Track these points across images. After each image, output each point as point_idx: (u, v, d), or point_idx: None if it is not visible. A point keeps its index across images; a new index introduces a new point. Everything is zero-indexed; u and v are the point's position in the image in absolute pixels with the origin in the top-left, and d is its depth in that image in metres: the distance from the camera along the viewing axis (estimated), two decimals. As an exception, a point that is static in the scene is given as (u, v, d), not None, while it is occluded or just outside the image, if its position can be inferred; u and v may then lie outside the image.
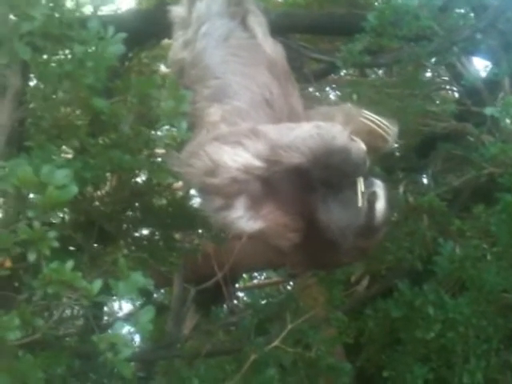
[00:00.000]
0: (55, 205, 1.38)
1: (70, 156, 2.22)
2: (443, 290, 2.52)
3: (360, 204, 1.79)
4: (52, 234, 1.35)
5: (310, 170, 1.80)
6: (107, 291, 1.52)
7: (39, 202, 1.37)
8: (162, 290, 5.39)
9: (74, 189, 1.40)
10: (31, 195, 1.45)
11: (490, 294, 2.41)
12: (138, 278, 1.49)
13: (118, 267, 1.50)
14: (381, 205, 1.86)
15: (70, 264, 1.34)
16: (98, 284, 1.40)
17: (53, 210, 1.38)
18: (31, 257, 1.32)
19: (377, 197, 1.86)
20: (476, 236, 2.79)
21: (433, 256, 2.73)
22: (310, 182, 1.86)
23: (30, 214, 1.34)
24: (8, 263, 1.50)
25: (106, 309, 5.12)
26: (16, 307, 1.60)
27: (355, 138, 1.79)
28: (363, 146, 1.80)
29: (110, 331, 1.59)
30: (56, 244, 1.35)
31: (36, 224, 1.34)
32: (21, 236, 1.32)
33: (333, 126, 1.79)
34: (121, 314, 5.14)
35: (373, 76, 4.30)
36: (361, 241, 1.89)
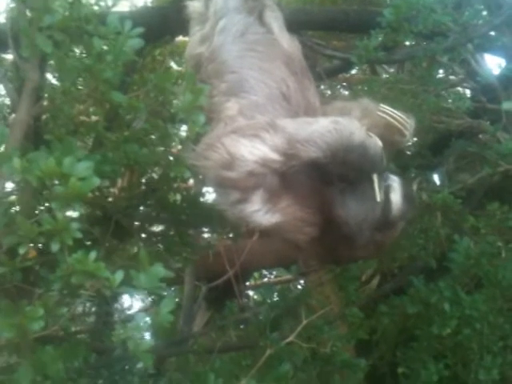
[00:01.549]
0: (77, 196, 1.39)
1: (85, 151, 2.23)
2: (459, 286, 2.51)
3: (379, 199, 1.78)
4: (75, 225, 1.36)
5: (327, 165, 1.80)
6: (126, 284, 1.53)
7: (62, 193, 1.37)
8: (173, 288, 5.40)
9: (96, 180, 1.41)
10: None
11: (507, 290, 2.40)
12: (159, 270, 1.50)
13: (136, 261, 1.52)
14: (397, 198, 1.87)
15: (92, 254, 1.34)
16: (120, 275, 1.40)
17: (75, 201, 1.39)
18: (54, 247, 1.33)
19: (393, 190, 1.87)
20: (490, 233, 2.78)
21: (447, 253, 2.73)
22: (327, 176, 1.85)
23: (54, 205, 1.35)
24: (33, 253, 1.50)
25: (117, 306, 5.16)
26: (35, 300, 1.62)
27: (372, 135, 1.79)
28: (380, 143, 1.80)
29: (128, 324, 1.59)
30: (79, 235, 1.35)
31: (59, 215, 1.35)
32: (45, 226, 1.32)
33: (351, 122, 1.79)
34: (132, 311, 5.15)
35: (384, 75, 4.31)
36: (378, 235, 1.89)
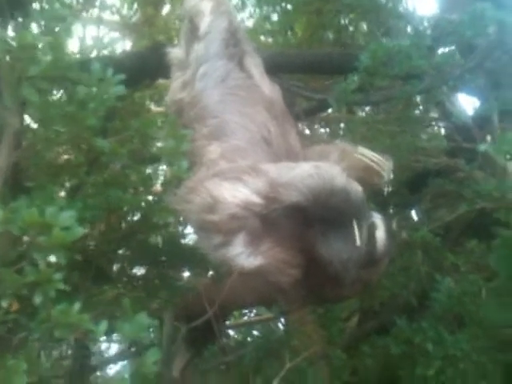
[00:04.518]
0: (60, 246, 1.38)
1: (63, 194, 2.22)
2: (442, 326, 2.52)
3: (359, 243, 1.80)
4: (58, 276, 1.34)
5: (308, 208, 1.82)
6: (109, 331, 1.50)
7: (44, 243, 1.36)
8: (151, 329, 5.30)
9: (79, 230, 1.40)
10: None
11: (489, 329, 2.42)
12: (143, 319, 1.49)
13: (117, 305, 1.50)
14: (381, 235, 1.87)
15: (76, 306, 1.33)
16: (103, 326, 1.39)
17: (58, 251, 1.37)
18: (37, 299, 1.31)
19: (377, 227, 1.88)
20: (470, 270, 2.82)
21: (427, 291, 2.75)
22: (309, 218, 1.87)
23: (36, 255, 1.34)
24: (15, 306, 1.48)
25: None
26: (14, 349, 1.59)
27: (352, 180, 1.82)
28: (360, 188, 1.83)
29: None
30: (62, 286, 1.34)
31: (42, 265, 1.34)
32: (28, 278, 1.31)
33: (332, 167, 1.81)
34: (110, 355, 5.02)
35: (360, 113, 4.40)
36: (363, 272, 1.89)
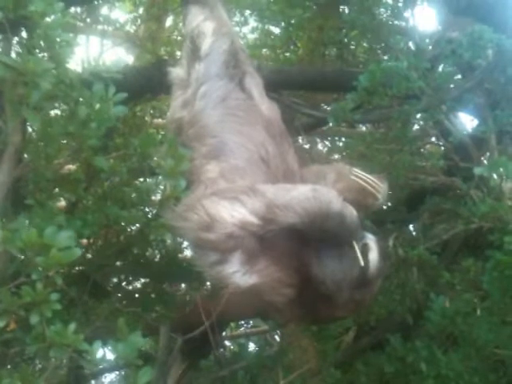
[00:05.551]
0: (58, 266, 1.40)
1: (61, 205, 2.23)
2: (435, 345, 2.54)
3: (362, 264, 1.82)
4: (54, 296, 1.36)
5: (304, 229, 1.85)
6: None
7: (42, 263, 1.39)
8: (147, 338, 5.30)
9: (77, 251, 1.42)
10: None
11: (482, 349, 2.43)
12: (137, 339, 1.50)
13: (114, 324, 1.51)
14: (374, 256, 1.91)
15: (72, 326, 1.35)
16: (97, 346, 1.41)
17: (55, 272, 1.40)
18: (34, 319, 1.34)
19: (369, 248, 1.91)
20: (466, 289, 2.84)
21: (423, 309, 2.76)
22: (304, 239, 1.90)
23: (34, 275, 1.36)
24: (12, 325, 1.50)
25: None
26: (9, 362, 1.60)
27: (348, 203, 1.85)
28: (355, 212, 1.86)
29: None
30: (59, 307, 1.36)
31: (39, 286, 1.36)
32: (25, 298, 1.33)
33: (329, 191, 1.85)
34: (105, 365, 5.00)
35: (360, 127, 4.42)
36: (356, 293, 1.93)
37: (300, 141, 4.23)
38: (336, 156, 4.03)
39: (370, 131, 3.92)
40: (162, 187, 2.64)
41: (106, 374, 4.98)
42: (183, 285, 3.52)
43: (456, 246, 3.32)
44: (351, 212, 1.84)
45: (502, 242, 2.24)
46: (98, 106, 1.74)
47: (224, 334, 5.55)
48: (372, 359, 2.73)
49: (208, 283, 3.23)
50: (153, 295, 2.68)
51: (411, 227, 3.75)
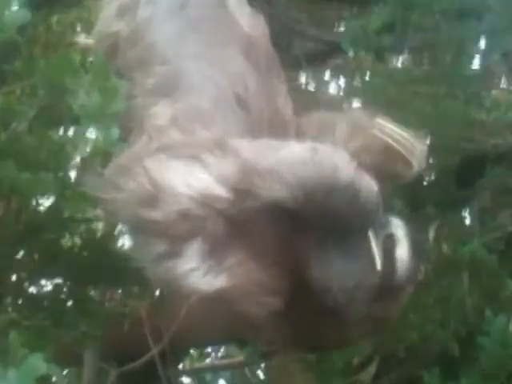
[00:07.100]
0: None
1: None
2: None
3: (379, 266, 1.82)
4: None
5: (297, 209, 1.83)
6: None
7: None
8: (66, 371, 5.33)
9: None
10: None
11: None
12: (37, 364, 1.49)
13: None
14: (403, 252, 1.89)
15: None
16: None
17: None
18: None
19: (395, 241, 1.89)
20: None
21: (475, 334, 2.79)
22: (298, 224, 1.89)
23: None
24: None
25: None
26: None
27: (365, 171, 1.83)
28: (375, 184, 1.84)
29: None
30: None
31: None
32: None
33: (336, 152, 1.83)
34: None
35: (391, 59, 4.40)
36: (376, 307, 1.90)
37: (300, 77, 4.21)
38: (352, 101, 4.00)
39: (404, 65, 3.90)
40: (85, 140, 2.62)
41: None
42: (118, 289, 3.52)
43: (528, 243, 3.35)
44: (369, 185, 1.81)
45: None
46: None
47: (181, 366, 5.64)
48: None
49: (155, 288, 3.23)
50: (70, 303, 2.66)
51: (462, 212, 3.77)
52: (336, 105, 3.96)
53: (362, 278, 1.85)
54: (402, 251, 1.89)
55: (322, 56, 3.96)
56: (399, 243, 1.90)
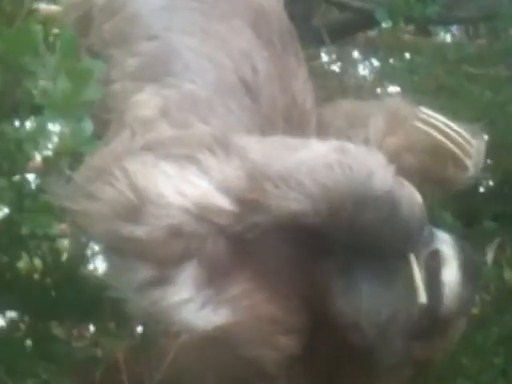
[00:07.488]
0: None
1: None
2: None
3: (424, 299, 1.82)
4: None
5: (320, 226, 1.83)
6: None
7: None
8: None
9: None
10: None
11: None
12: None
13: None
14: (452, 276, 1.91)
15: None
16: None
17: None
18: None
19: (442, 260, 1.91)
20: None
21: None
22: (321, 245, 1.90)
23: None
24: None
25: None
26: None
27: (406, 179, 1.84)
28: (418, 196, 1.84)
29: None
30: None
31: None
32: None
33: (369, 153, 1.84)
34: None
35: (439, 35, 4.41)
36: (417, 347, 1.93)
37: (323, 55, 4.23)
38: (388, 85, 4.01)
39: (456, 42, 3.91)
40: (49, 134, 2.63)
41: None
42: (89, 326, 3.52)
43: None
44: (411, 195, 1.83)
45: None
46: None
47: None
48: None
49: (137, 324, 3.23)
50: (29, 341, 2.67)
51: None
52: (368, 91, 3.98)
53: (398, 309, 1.88)
54: (451, 273, 1.91)
55: (351, 28, 3.97)
56: (447, 263, 1.91)
